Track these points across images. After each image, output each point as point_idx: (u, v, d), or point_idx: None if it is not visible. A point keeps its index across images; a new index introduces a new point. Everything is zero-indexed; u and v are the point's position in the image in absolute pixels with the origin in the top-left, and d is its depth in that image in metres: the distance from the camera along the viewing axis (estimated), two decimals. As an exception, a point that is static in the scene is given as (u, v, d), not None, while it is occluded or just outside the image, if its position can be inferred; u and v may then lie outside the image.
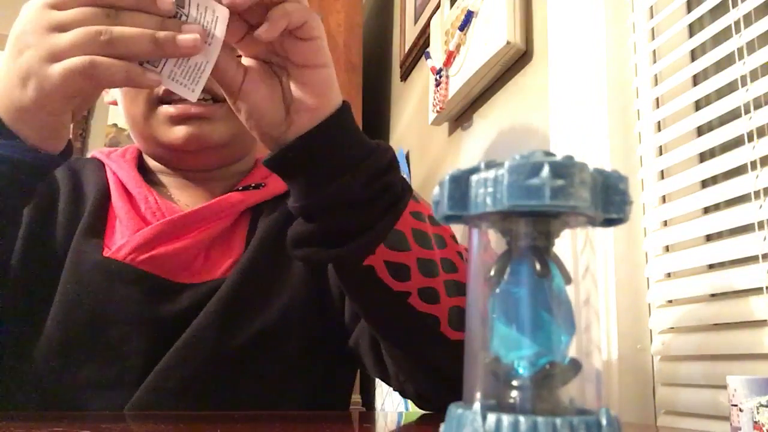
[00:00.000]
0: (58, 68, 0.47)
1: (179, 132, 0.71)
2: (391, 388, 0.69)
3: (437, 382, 0.60)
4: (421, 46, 1.57)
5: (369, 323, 0.62)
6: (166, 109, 0.71)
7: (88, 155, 0.83)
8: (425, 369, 0.60)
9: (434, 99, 1.33)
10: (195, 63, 0.51)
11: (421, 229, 0.57)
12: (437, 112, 1.32)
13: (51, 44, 0.47)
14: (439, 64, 1.31)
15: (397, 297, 0.55)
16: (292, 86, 0.53)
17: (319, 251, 0.55)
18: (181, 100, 0.70)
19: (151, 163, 0.79)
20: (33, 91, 0.48)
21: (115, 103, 0.77)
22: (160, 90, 0.70)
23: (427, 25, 1.46)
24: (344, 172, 0.52)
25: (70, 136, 0.56)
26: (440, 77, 1.30)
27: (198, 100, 0.69)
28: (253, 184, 0.76)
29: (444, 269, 0.57)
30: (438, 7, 1.39)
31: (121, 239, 0.68)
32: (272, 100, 0.53)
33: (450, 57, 1.26)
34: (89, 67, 0.46)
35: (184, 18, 0.50)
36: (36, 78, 0.48)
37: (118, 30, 0.47)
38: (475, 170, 0.27)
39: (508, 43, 1.04)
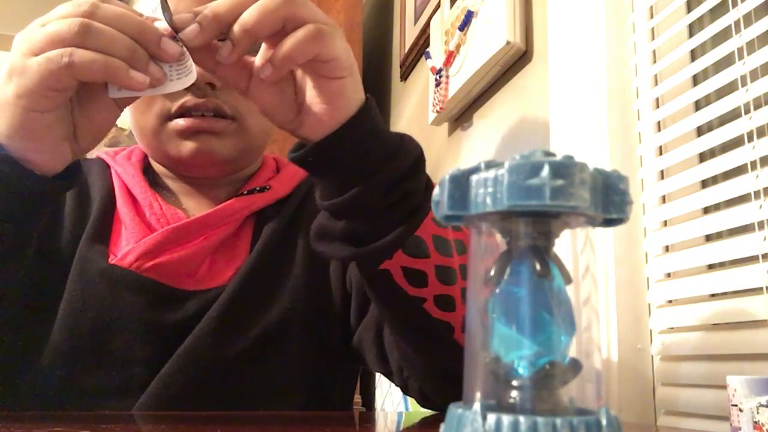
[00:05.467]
0: (38, 59, 0.47)
1: (188, 146, 0.70)
2: (393, 385, 0.69)
3: (443, 382, 0.60)
4: (421, 46, 1.57)
5: (384, 320, 0.63)
6: (176, 123, 0.69)
7: (93, 155, 0.82)
8: (433, 369, 0.60)
9: (434, 99, 1.33)
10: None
11: (441, 235, 0.56)
12: (437, 112, 1.32)
13: (31, 37, 0.48)
14: (439, 64, 1.31)
15: (412, 302, 0.55)
16: (306, 87, 0.52)
17: (336, 248, 0.54)
18: (192, 114, 0.69)
19: (157, 166, 0.79)
20: (14, 83, 0.48)
21: None
22: (173, 106, 0.68)
23: (427, 25, 1.46)
24: (359, 181, 0.51)
25: (69, 162, 0.53)
26: (440, 77, 1.30)
27: (208, 116, 0.69)
28: (258, 188, 0.76)
29: (462, 276, 0.56)
30: (438, 7, 1.39)
31: (126, 246, 0.68)
32: (280, 101, 0.52)
33: (450, 57, 1.26)
34: (67, 56, 0.46)
35: None
36: (17, 71, 0.48)
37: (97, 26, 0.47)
38: (475, 170, 0.27)
39: (508, 43, 1.04)
